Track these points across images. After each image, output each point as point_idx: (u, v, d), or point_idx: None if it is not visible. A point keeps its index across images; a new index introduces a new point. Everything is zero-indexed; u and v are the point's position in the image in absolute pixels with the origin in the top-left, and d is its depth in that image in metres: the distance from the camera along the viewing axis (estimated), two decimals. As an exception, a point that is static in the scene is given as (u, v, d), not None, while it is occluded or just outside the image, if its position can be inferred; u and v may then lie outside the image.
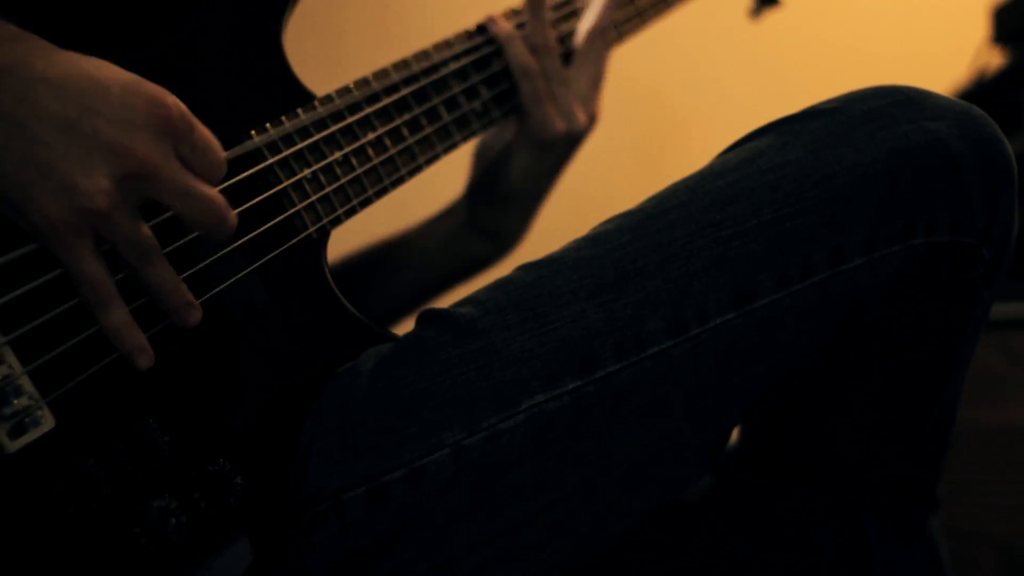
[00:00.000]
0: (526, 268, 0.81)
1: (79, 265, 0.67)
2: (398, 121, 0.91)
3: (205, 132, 0.72)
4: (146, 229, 0.69)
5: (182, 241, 0.73)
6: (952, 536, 1.18)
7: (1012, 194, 0.85)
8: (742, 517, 0.97)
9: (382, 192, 0.89)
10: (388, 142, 0.90)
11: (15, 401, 0.64)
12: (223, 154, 0.73)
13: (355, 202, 0.86)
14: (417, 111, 0.93)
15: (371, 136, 0.88)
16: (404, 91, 0.93)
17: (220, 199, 0.72)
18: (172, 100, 0.70)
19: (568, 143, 1.05)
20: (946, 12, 2.08)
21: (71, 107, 0.66)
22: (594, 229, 0.82)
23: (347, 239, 1.08)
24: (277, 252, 0.79)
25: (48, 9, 0.67)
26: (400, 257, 1.16)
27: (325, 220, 0.83)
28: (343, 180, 0.85)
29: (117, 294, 0.69)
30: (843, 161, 0.80)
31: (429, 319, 0.80)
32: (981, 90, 1.66)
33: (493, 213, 1.11)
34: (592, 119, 1.07)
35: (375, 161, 0.88)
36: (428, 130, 0.94)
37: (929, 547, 0.99)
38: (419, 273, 1.14)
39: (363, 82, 0.90)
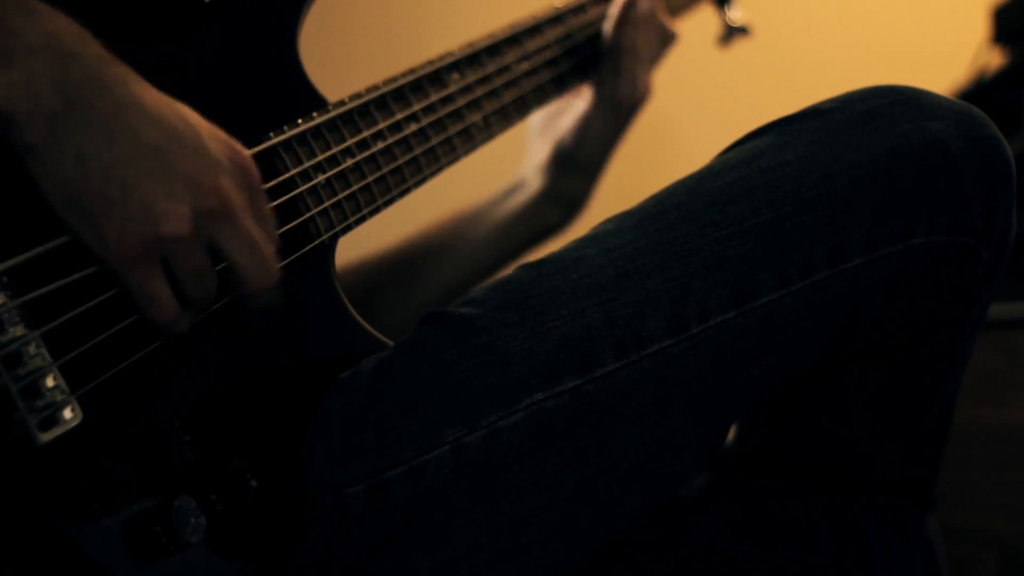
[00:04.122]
0: (526, 268, 0.81)
1: (148, 286, 0.67)
2: (406, 132, 0.92)
3: (267, 200, 0.74)
4: (207, 258, 0.70)
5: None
6: (952, 536, 1.18)
7: (1010, 195, 0.85)
8: (741, 515, 0.98)
9: (390, 201, 0.90)
10: (397, 152, 0.91)
11: (46, 394, 0.64)
12: (276, 229, 0.75)
13: (365, 211, 0.87)
14: (424, 122, 0.94)
15: (380, 145, 0.89)
16: (413, 102, 0.94)
17: (277, 267, 0.73)
18: (251, 157, 0.71)
19: (630, 111, 1.16)
20: (946, 12, 2.08)
21: (161, 134, 0.67)
22: (594, 229, 0.83)
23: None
24: (294, 256, 0.80)
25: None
26: (465, 237, 1.21)
27: (338, 227, 0.84)
28: (355, 187, 0.86)
29: (179, 306, 0.69)
30: (842, 161, 0.80)
31: (429, 320, 0.80)
32: (981, 90, 1.66)
33: (570, 181, 1.18)
34: (647, 90, 1.17)
35: (384, 170, 0.89)
36: (434, 141, 0.95)
37: (925, 546, 0.99)
38: (490, 251, 1.20)
39: (375, 89, 0.90)
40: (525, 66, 1.07)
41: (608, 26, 1.15)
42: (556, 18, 1.13)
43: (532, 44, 1.09)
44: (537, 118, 1.20)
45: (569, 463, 0.78)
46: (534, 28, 1.09)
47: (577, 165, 1.18)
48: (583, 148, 1.17)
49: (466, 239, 1.20)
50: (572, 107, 1.18)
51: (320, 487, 0.75)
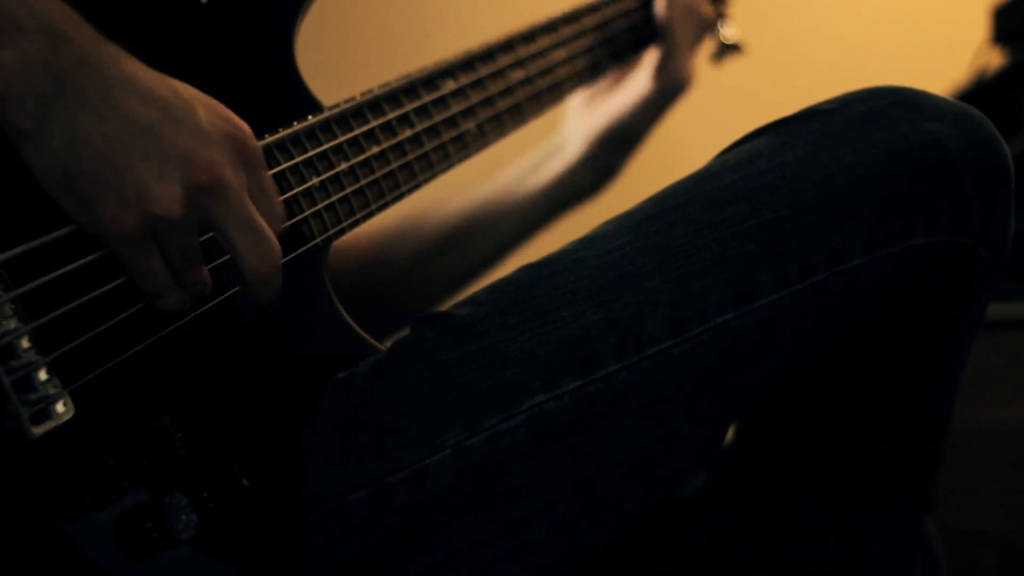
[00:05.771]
0: (526, 269, 0.81)
1: (141, 261, 0.67)
2: (401, 137, 0.92)
3: (271, 178, 0.73)
4: (197, 239, 0.70)
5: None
6: (952, 536, 1.18)
7: (1009, 195, 0.85)
8: (740, 514, 0.98)
9: (383, 206, 0.90)
10: (391, 156, 0.91)
11: (39, 387, 0.64)
12: (283, 209, 0.74)
13: (359, 215, 0.87)
14: (419, 127, 0.94)
15: (375, 150, 0.89)
16: (407, 106, 0.93)
17: (279, 250, 0.72)
18: (250, 131, 0.71)
19: (677, 90, 1.23)
20: (946, 12, 2.08)
21: (154, 112, 0.66)
22: (593, 230, 0.83)
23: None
24: (288, 258, 0.80)
25: None
26: (504, 206, 1.24)
27: (332, 230, 0.84)
28: (348, 190, 0.86)
29: (172, 279, 0.69)
30: (842, 162, 0.81)
31: (427, 321, 0.80)
32: (981, 90, 1.66)
33: (617, 155, 1.24)
34: (691, 75, 1.23)
35: (378, 174, 0.89)
36: (428, 147, 0.95)
37: (925, 547, 0.99)
38: (533, 215, 1.23)
39: (369, 93, 0.90)
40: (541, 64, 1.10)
41: (660, 6, 1.21)
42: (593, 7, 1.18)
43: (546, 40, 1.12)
44: (578, 95, 1.27)
45: (570, 464, 0.78)
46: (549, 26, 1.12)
47: (628, 141, 1.23)
48: (636, 125, 1.23)
49: (506, 208, 1.23)
50: (623, 86, 1.23)
51: (320, 493, 0.75)
